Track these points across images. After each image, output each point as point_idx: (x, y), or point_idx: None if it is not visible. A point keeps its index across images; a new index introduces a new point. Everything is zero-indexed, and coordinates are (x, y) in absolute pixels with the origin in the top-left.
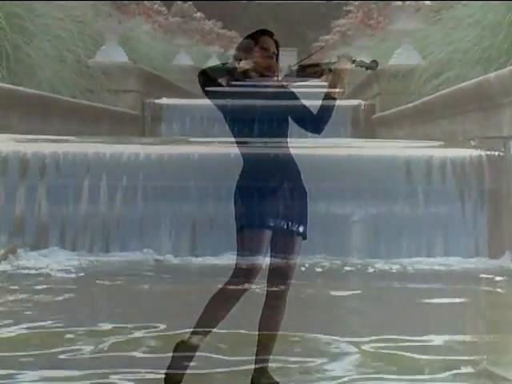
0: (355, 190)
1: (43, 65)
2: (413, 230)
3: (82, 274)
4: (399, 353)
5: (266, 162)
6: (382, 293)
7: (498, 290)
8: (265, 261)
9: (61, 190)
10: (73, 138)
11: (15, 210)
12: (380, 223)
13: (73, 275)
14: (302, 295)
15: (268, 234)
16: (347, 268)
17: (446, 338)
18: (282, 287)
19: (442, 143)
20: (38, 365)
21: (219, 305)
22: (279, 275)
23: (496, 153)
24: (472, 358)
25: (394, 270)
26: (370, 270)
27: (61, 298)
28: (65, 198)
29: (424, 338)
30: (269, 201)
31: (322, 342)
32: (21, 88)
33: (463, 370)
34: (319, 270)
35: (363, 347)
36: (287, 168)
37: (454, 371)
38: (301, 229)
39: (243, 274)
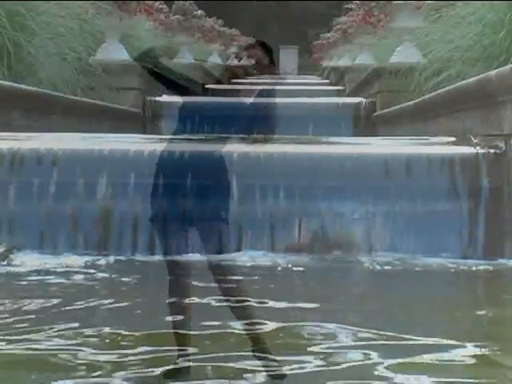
0: (355, 188)
1: (44, 62)
2: (413, 228)
3: None
4: (399, 342)
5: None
6: (383, 290)
7: (498, 285)
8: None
9: (60, 188)
10: (73, 135)
11: (11, 208)
12: (380, 221)
13: None
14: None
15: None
16: (347, 266)
17: (446, 329)
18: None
19: (444, 140)
20: None
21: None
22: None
23: (497, 151)
24: (473, 347)
25: (395, 268)
26: (370, 268)
27: None
28: (66, 195)
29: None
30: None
31: None
32: (22, 86)
33: (465, 358)
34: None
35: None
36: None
37: (455, 360)
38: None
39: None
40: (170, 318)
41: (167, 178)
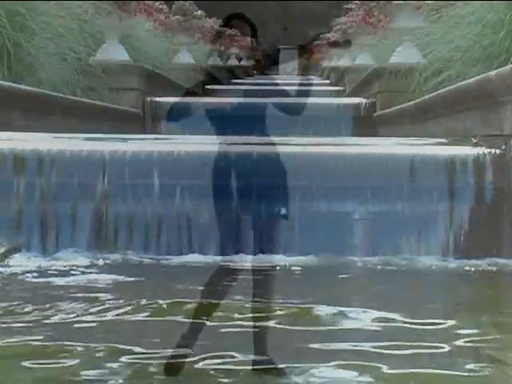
0: (356, 188)
1: (44, 63)
2: (412, 228)
3: None
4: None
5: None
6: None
7: (500, 286)
8: None
9: (59, 188)
10: (73, 135)
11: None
12: (381, 221)
13: None
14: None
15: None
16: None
17: (447, 324)
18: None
19: (445, 141)
20: None
21: None
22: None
23: (497, 151)
24: (472, 342)
25: (394, 269)
26: (370, 268)
27: None
28: (66, 196)
29: (426, 324)
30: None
31: None
32: (22, 86)
33: (464, 353)
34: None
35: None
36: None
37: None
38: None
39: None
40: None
41: (228, 179)
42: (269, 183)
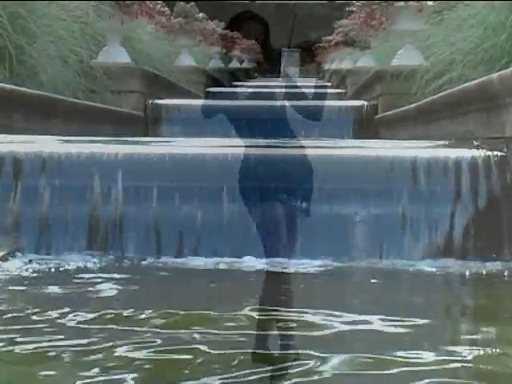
0: (358, 191)
1: (46, 65)
2: (413, 230)
3: None
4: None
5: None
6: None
7: (498, 285)
8: None
9: (60, 190)
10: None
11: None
12: (382, 224)
13: None
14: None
15: None
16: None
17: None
18: None
19: (446, 143)
20: None
21: None
22: None
23: (499, 153)
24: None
25: (395, 271)
26: (371, 270)
27: None
28: (66, 198)
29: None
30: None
31: None
32: (23, 89)
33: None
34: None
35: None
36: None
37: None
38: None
39: None
40: None
41: (256, 181)
42: (296, 183)
